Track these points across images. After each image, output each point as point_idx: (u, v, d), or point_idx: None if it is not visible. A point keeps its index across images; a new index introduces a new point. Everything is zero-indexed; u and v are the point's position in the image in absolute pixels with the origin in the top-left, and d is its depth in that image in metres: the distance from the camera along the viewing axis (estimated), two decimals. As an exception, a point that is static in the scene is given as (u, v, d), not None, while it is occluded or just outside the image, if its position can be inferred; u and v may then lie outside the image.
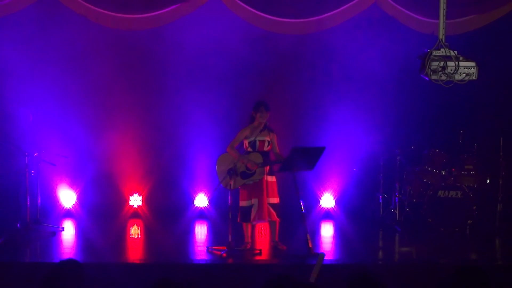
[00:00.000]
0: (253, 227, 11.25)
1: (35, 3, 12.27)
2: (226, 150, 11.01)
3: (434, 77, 7.96)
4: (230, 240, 10.70)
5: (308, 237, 10.53)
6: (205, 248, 11.18)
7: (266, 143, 10.95)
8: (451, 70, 7.90)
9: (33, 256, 11.11)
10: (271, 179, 11.01)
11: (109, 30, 12.83)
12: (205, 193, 13.64)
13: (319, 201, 13.77)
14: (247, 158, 10.84)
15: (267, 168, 10.94)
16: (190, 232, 12.81)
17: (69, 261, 6.09)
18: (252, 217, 10.86)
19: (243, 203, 10.94)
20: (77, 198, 13.58)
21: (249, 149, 10.93)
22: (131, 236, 12.46)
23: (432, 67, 7.90)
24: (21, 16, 12.56)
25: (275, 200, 10.98)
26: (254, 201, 10.86)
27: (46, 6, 12.59)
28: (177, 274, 9.99)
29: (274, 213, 10.90)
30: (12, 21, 12.67)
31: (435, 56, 7.92)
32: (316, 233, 12.48)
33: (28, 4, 12.26)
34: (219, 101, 13.61)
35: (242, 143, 11.02)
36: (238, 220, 10.99)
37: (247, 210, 10.89)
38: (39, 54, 13.08)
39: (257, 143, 10.91)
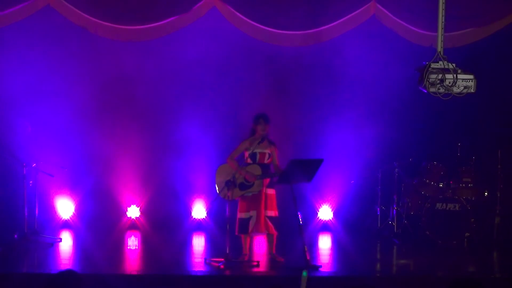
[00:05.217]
0: (251, 239, 11.23)
1: (34, 14, 12.26)
2: (226, 161, 11.00)
3: (432, 89, 7.96)
4: (227, 251, 10.70)
5: (306, 249, 10.53)
6: (203, 260, 11.17)
7: (267, 156, 10.95)
8: (450, 83, 7.90)
9: (31, 267, 11.05)
10: (271, 191, 10.99)
11: (108, 41, 12.84)
12: (203, 205, 13.64)
13: (317, 213, 13.77)
14: (245, 170, 10.83)
15: (267, 180, 10.93)
16: (187, 243, 12.81)
17: (68, 272, 6.09)
18: (250, 229, 10.85)
19: (241, 215, 10.92)
20: (75, 209, 13.57)
21: (249, 160, 10.92)
22: (128, 247, 12.45)
23: (431, 80, 7.90)
24: (20, 26, 12.57)
25: (273, 213, 10.96)
26: (253, 213, 10.84)
27: (44, 17, 12.60)
28: (174, 286, 10.01)
29: (272, 226, 10.89)
30: (11, 31, 12.68)
31: (433, 68, 7.93)
32: (314, 245, 12.48)
33: (27, 15, 12.25)
34: (216, 112, 13.63)
35: (242, 155, 11.00)
36: (236, 233, 10.96)
37: (245, 222, 10.87)
38: (37, 64, 13.08)
39: (258, 155, 10.91)
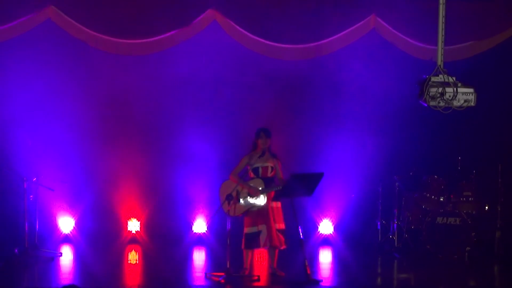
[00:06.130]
0: (252, 254, 11.19)
1: (35, 28, 12.33)
2: (229, 177, 10.98)
3: (432, 103, 7.97)
4: (228, 266, 10.68)
5: (307, 263, 10.51)
6: (204, 274, 11.15)
7: (270, 169, 10.93)
8: (450, 96, 7.91)
9: (31, 282, 11.03)
10: (276, 204, 10.97)
11: (109, 57, 12.87)
12: (204, 219, 13.61)
13: (318, 228, 13.75)
14: (248, 185, 10.82)
15: (272, 193, 10.90)
16: (188, 258, 12.78)
17: (71, 287, 6.10)
18: (262, 243, 10.79)
19: (248, 230, 10.85)
20: (75, 224, 13.55)
21: (252, 175, 10.91)
22: (129, 261, 12.43)
23: (431, 93, 7.91)
24: (21, 40, 12.61)
25: (281, 225, 10.94)
26: (262, 227, 10.77)
27: (45, 32, 12.64)
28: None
29: (283, 240, 10.87)
30: (12, 45, 12.71)
31: (433, 82, 7.94)
32: (314, 259, 12.45)
33: (28, 29, 12.30)
34: (217, 126, 13.62)
35: (246, 170, 10.96)
36: (242, 247, 10.92)
37: (253, 237, 10.81)
38: (38, 79, 13.09)
39: (260, 169, 10.90)
